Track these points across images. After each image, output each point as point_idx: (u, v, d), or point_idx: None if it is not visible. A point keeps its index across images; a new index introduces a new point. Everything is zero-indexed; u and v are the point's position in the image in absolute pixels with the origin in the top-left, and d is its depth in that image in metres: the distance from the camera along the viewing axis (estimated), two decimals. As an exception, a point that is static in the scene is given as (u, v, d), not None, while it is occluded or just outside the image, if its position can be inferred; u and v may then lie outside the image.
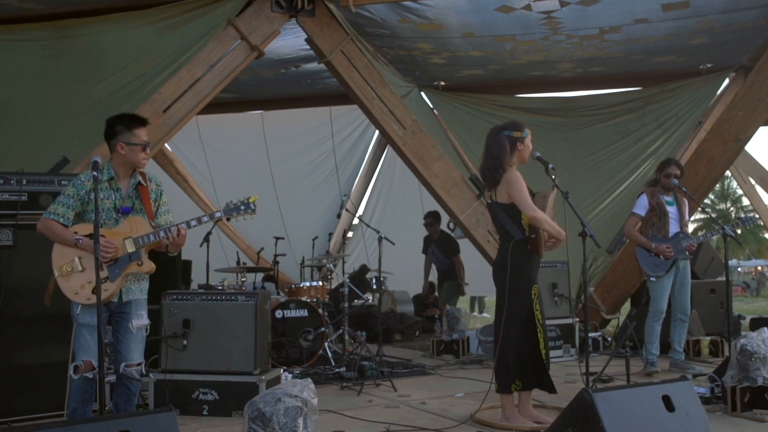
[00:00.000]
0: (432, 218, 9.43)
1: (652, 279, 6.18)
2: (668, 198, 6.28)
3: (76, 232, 3.66)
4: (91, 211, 3.70)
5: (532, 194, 4.52)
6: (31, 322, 4.56)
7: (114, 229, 3.70)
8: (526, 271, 4.35)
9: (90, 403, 3.71)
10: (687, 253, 6.17)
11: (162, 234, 3.70)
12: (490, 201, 4.54)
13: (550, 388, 4.38)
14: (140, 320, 3.79)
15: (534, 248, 4.32)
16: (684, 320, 6.28)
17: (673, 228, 6.19)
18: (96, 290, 3.43)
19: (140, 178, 3.85)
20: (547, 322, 4.72)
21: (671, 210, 6.23)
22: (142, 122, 3.84)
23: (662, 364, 6.26)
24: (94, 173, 3.55)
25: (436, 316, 9.97)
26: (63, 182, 4.76)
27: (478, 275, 10.05)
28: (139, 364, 3.78)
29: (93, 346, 3.59)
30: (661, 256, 6.10)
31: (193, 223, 3.79)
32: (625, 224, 6.49)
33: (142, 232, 3.72)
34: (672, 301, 6.28)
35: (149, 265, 3.76)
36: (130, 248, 3.69)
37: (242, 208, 3.91)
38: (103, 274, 3.62)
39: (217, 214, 3.87)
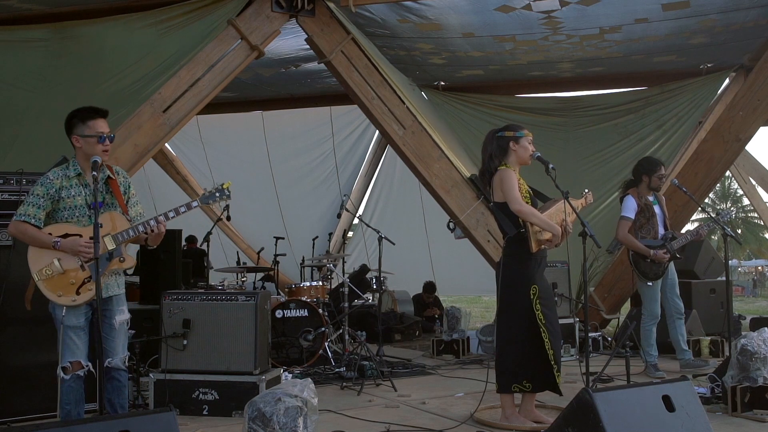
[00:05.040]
0: None
1: (649, 284, 6.11)
2: (651, 197, 6.21)
3: (50, 234, 3.62)
4: (62, 209, 3.69)
5: (542, 197, 4.51)
6: (31, 323, 4.55)
7: (91, 226, 3.60)
8: (521, 271, 4.33)
9: (82, 403, 3.72)
10: (677, 255, 6.12)
11: (141, 228, 3.69)
12: (491, 203, 4.54)
13: (556, 390, 4.34)
14: (122, 315, 3.81)
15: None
16: (681, 317, 6.24)
17: (660, 228, 6.14)
18: (96, 289, 3.45)
19: (108, 172, 3.80)
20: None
21: (657, 210, 6.18)
22: (99, 113, 3.75)
23: (662, 364, 6.25)
24: (94, 173, 3.55)
25: (436, 316, 9.97)
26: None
27: (477, 275, 10.06)
28: (123, 357, 3.82)
29: (81, 346, 3.64)
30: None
31: (171, 214, 3.77)
32: (617, 230, 6.19)
33: (120, 227, 3.70)
34: (663, 303, 6.25)
35: (131, 261, 3.77)
36: (110, 245, 3.66)
37: (217, 195, 3.92)
38: (86, 273, 3.61)
39: (194, 204, 3.87)
